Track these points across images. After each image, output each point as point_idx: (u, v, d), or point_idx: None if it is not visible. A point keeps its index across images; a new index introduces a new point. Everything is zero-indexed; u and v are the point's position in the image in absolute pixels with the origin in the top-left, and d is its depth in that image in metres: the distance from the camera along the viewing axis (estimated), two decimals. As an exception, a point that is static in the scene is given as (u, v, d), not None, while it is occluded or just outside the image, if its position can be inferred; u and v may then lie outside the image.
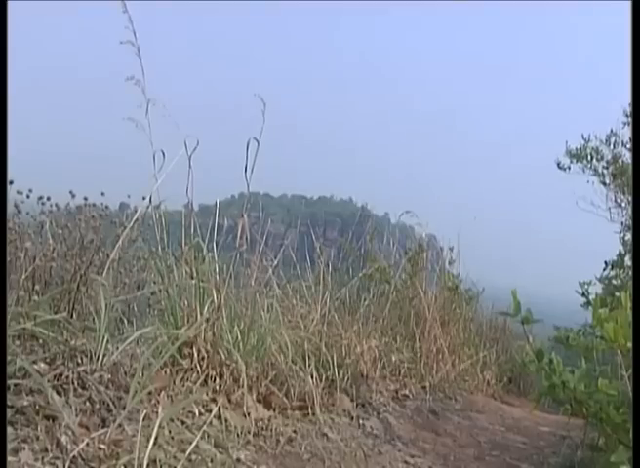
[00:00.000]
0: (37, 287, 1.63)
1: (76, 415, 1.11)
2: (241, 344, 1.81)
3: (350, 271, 3.07)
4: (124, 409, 1.19)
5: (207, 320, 1.72)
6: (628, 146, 5.26)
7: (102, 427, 1.13)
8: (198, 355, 1.67)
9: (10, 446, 0.97)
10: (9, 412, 1.05)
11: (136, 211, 1.86)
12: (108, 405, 1.20)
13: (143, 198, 1.79)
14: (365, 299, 2.89)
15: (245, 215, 1.92)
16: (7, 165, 1.16)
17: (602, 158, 5.61)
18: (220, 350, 1.71)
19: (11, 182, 1.40)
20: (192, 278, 1.78)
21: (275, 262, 2.38)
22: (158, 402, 1.38)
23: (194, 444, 1.23)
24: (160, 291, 1.82)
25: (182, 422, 1.38)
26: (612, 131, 5.47)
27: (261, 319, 1.94)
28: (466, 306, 3.38)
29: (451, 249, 3.38)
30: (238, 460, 1.42)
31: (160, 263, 1.82)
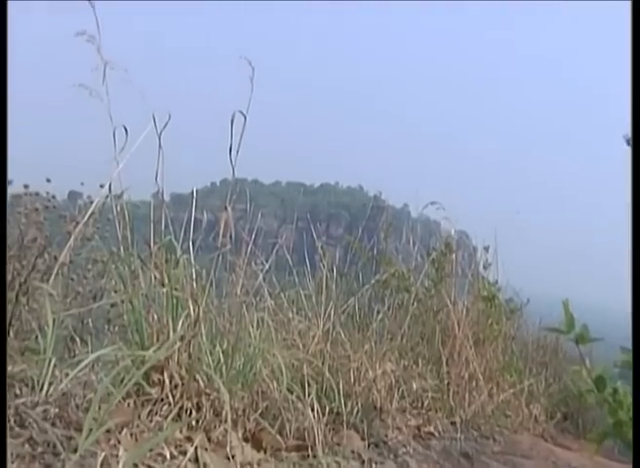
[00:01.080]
0: (-37, 297, 1.63)
1: (12, 461, 1.09)
2: (224, 368, 1.83)
3: (360, 277, 3.12)
4: (75, 451, 1.18)
5: (181, 338, 1.73)
6: None
7: (47, 475, 1.12)
8: (170, 382, 1.68)
9: None
10: None
11: (91, 202, 1.84)
12: (55, 447, 1.18)
13: (101, 186, 1.78)
14: (379, 312, 2.94)
15: (229, 208, 1.92)
16: (7, 165, 1.30)
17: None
18: (197, 376, 1.72)
19: None
20: (163, 286, 1.79)
21: (267, 266, 2.43)
22: (119, 442, 1.37)
23: (165, 494, 1.23)
24: (122, 302, 1.83)
25: (149, 467, 1.38)
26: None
27: (250, 337, 1.97)
28: (507, 321, 3.34)
29: (486, 249, 3.38)
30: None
31: (122, 267, 1.83)
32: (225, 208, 1.89)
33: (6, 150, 1.27)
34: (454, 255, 3.22)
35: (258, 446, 1.79)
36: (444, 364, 2.87)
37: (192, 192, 1.96)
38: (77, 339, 1.82)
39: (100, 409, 1.27)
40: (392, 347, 2.73)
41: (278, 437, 1.83)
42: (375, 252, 3.36)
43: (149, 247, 1.81)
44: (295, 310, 2.61)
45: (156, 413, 1.59)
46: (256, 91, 1.77)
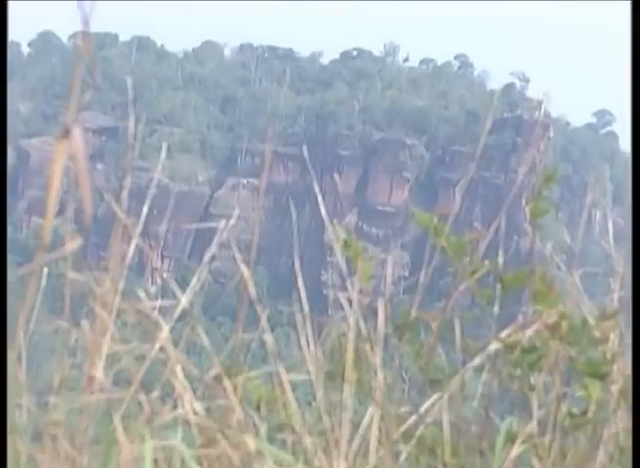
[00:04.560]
0: None
1: None
2: None
3: (457, 330, 3.14)
4: None
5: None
6: None
7: None
8: None
9: None
10: None
11: None
12: None
13: None
14: (512, 439, 3.02)
15: (74, 130, 2.00)
16: (6, 164, 2.78)
17: None
18: None
19: None
20: None
21: (183, 301, 2.68)
22: None
23: None
24: None
25: None
26: None
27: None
28: None
29: None
30: None
31: None
32: (66, 132, 1.98)
33: (5, 149, 2.21)
34: None
35: None
36: None
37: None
38: None
39: None
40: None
41: None
42: (501, 254, 3.25)
43: None
44: (264, 430, 2.78)
45: None
46: None
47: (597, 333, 3.19)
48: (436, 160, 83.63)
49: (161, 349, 2.69)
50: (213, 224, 3.13)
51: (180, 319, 2.72)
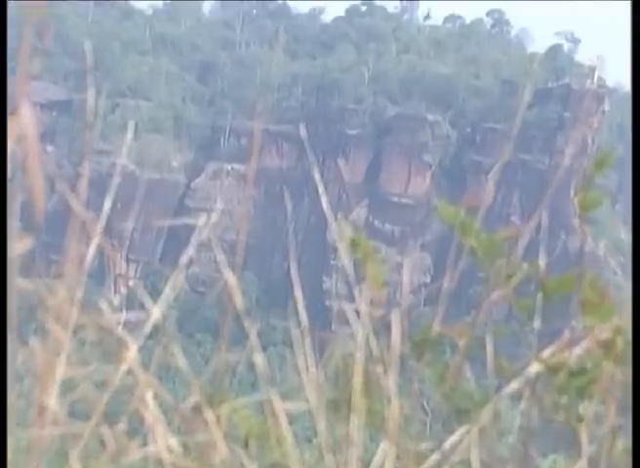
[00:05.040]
0: None
1: None
2: None
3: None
4: None
5: None
6: None
7: None
8: None
9: None
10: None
11: None
12: None
13: None
14: None
15: (24, 104, 2.20)
16: (7, 165, 2.41)
17: None
18: None
19: None
20: None
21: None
22: None
23: None
24: None
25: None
26: None
27: None
28: None
29: None
30: None
31: None
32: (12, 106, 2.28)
33: (6, 151, 2.35)
34: None
35: None
36: None
37: None
38: None
39: None
40: None
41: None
42: (544, 256, 3.16)
43: None
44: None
45: None
46: None
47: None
48: (464, 140, 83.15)
49: (128, 373, 2.66)
50: (190, 220, 3.05)
51: (150, 336, 2.69)
